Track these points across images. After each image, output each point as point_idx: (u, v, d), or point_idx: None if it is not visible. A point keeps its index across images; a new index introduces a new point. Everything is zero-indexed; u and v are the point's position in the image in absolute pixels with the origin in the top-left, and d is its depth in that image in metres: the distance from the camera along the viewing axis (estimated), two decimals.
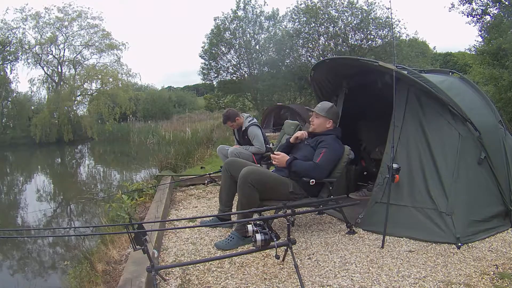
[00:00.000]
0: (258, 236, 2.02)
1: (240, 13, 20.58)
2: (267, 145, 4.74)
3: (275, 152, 3.03)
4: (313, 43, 18.11)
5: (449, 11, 11.79)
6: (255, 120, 4.76)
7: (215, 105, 26.51)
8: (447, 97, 2.90)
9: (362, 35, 17.28)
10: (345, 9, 17.06)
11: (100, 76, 22.23)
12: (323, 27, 17.44)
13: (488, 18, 11.09)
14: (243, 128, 4.68)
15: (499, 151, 3.10)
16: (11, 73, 21.29)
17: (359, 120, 4.39)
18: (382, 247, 2.68)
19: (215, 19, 20.85)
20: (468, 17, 11.31)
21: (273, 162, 3.01)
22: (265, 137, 4.71)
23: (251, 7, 20.59)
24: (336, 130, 3.15)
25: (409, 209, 2.88)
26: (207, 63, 21.92)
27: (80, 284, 2.59)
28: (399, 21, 18.79)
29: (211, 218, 3.34)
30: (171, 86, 39.85)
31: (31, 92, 22.75)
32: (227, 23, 20.76)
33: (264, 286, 2.19)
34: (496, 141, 3.14)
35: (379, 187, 3.02)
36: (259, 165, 4.44)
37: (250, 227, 2.06)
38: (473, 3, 11.08)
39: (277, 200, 2.77)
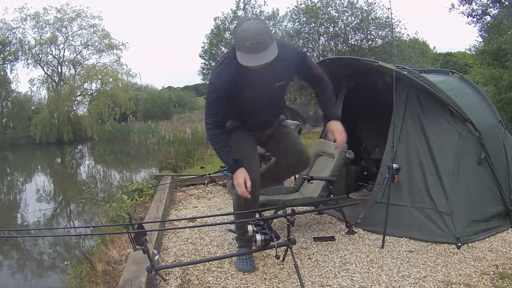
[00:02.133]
0: (258, 236, 2.02)
1: (240, 13, 20.56)
2: None
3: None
4: (313, 43, 18.09)
5: (449, 11, 11.79)
6: None
7: None
8: (447, 97, 2.90)
9: (362, 35, 17.26)
10: (345, 9, 17.03)
11: (100, 76, 22.22)
12: (323, 27, 17.42)
13: (488, 18, 11.10)
14: None
15: (499, 151, 3.11)
16: (11, 73, 21.30)
17: (359, 120, 4.39)
18: (382, 247, 2.68)
19: (215, 19, 20.86)
20: (468, 17, 11.33)
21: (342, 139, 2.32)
22: None
23: (251, 7, 20.59)
24: (278, 39, 2.20)
25: (409, 209, 2.88)
26: (207, 63, 21.90)
27: (80, 284, 2.59)
28: (400, 22, 18.78)
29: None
30: (171, 86, 39.85)
31: (31, 92, 22.77)
32: (227, 23, 20.74)
33: (264, 286, 2.19)
34: (496, 141, 3.14)
35: (379, 187, 3.02)
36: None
37: (250, 227, 2.06)
38: (473, 4, 11.09)
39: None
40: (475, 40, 20.30)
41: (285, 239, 2.21)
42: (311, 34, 17.75)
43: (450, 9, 11.54)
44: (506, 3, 10.28)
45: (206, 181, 5.05)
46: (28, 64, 21.28)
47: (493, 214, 2.90)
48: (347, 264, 2.45)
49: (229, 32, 20.69)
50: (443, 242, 2.68)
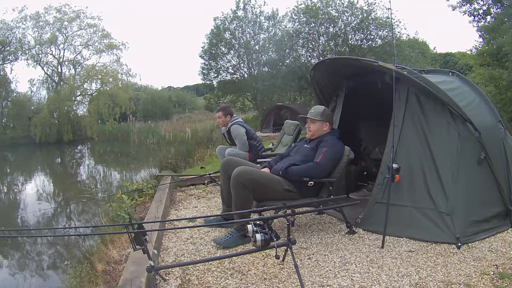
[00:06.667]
0: (258, 236, 2.01)
1: (240, 13, 20.55)
2: (256, 143, 4.57)
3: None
4: (313, 43, 18.09)
5: (453, 10, 11.63)
6: (239, 119, 4.66)
7: (215, 105, 26.45)
8: (447, 97, 2.90)
9: (362, 35, 17.26)
10: (345, 9, 17.03)
11: (100, 76, 22.27)
12: (323, 27, 17.41)
13: (488, 18, 11.08)
14: (227, 128, 4.63)
15: (499, 151, 3.10)
16: (11, 73, 21.39)
17: (359, 120, 4.39)
18: (382, 247, 2.68)
19: (214, 19, 20.84)
20: (470, 16, 11.28)
21: None
22: (252, 135, 4.57)
23: (251, 7, 20.59)
24: (335, 132, 3.16)
25: (409, 209, 2.88)
26: (207, 63, 21.89)
27: (80, 284, 2.59)
28: (400, 22, 18.78)
29: (214, 217, 3.31)
30: (171, 86, 39.90)
31: (31, 92, 22.85)
32: (227, 23, 20.73)
33: (264, 286, 2.19)
34: (496, 141, 3.13)
35: (379, 187, 3.02)
36: (259, 164, 4.43)
37: (250, 227, 2.06)
38: (475, 3, 11.05)
39: (274, 200, 2.76)
40: (475, 40, 20.26)
41: (285, 239, 2.21)
42: (311, 34, 17.74)
43: (453, 8, 11.44)
44: (507, 3, 10.25)
45: (206, 181, 5.04)
46: (28, 64, 21.37)
47: (493, 214, 2.90)
48: (347, 264, 2.45)
49: (229, 32, 20.71)
50: (443, 242, 2.68)
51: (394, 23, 15.85)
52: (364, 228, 3.04)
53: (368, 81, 3.60)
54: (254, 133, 4.67)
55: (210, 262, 2.49)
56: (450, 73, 3.77)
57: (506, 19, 9.51)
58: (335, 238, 2.92)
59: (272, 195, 2.82)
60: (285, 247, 2.31)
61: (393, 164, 2.81)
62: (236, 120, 4.58)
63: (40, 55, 21.44)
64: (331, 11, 17.15)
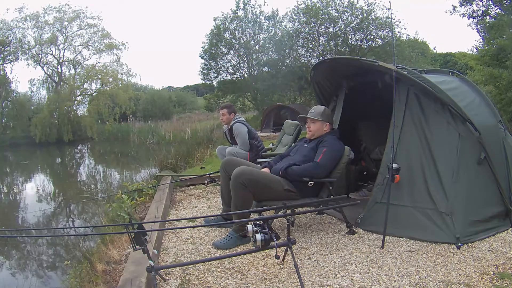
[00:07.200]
0: (258, 236, 2.01)
1: (239, 13, 20.55)
2: (257, 142, 4.60)
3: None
4: (313, 43, 18.09)
5: (451, 14, 11.57)
6: (241, 118, 4.69)
7: (215, 105, 26.48)
8: (447, 97, 2.90)
9: (362, 35, 17.27)
10: (345, 9, 17.04)
11: (100, 76, 22.28)
12: (323, 27, 17.43)
13: (488, 18, 11.05)
14: (229, 127, 4.64)
15: (499, 151, 3.11)
16: (11, 73, 21.41)
17: (359, 120, 4.39)
18: (382, 247, 2.68)
19: (214, 19, 20.85)
20: (469, 19, 11.26)
21: None
22: (253, 134, 4.60)
23: (251, 7, 20.59)
24: (335, 132, 3.17)
25: (409, 209, 2.88)
26: (207, 63, 21.89)
27: (80, 284, 2.59)
28: (400, 22, 18.79)
29: (214, 217, 3.31)
30: (171, 86, 39.88)
31: (31, 92, 22.88)
32: (227, 23, 20.73)
33: (264, 286, 2.19)
34: (496, 141, 3.14)
35: (379, 187, 3.02)
36: (259, 164, 4.42)
37: (250, 227, 2.06)
38: (474, 4, 11.03)
39: (275, 200, 2.75)
40: (475, 40, 20.19)
41: (285, 239, 2.21)
42: (311, 34, 17.75)
43: (451, 12, 11.40)
44: (507, 3, 10.23)
45: (206, 181, 5.03)
46: (28, 64, 21.38)
47: (493, 214, 2.90)
48: (347, 264, 2.45)
49: (229, 32, 20.72)
50: (443, 242, 2.68)
51: (394, 23, 15.90)
52: (364, 228, 3.04)
53: (368, 81, 3.60)
54: (255, 133, 4.69)
55: (210, 262, 2.49)
56: (450, 73, 3.78)
57: (506, 17, 9.50)
58: (335, 238, 2.92)
59: (272, 195, 2.81)
60: (285, 247, 2.31)
61: (393, 164, 2.81)
62: (239, 119, 4.61)
63: (40, 55, 21.47)
64: (331, 11, 17.15)
